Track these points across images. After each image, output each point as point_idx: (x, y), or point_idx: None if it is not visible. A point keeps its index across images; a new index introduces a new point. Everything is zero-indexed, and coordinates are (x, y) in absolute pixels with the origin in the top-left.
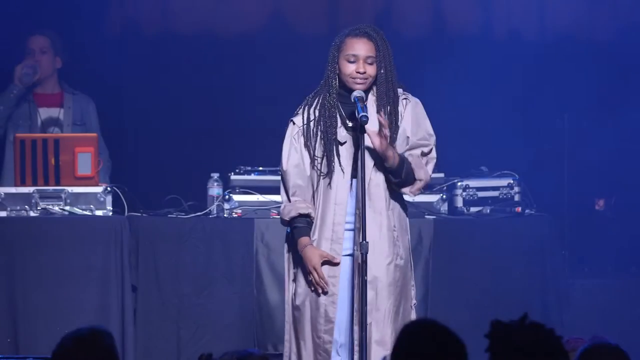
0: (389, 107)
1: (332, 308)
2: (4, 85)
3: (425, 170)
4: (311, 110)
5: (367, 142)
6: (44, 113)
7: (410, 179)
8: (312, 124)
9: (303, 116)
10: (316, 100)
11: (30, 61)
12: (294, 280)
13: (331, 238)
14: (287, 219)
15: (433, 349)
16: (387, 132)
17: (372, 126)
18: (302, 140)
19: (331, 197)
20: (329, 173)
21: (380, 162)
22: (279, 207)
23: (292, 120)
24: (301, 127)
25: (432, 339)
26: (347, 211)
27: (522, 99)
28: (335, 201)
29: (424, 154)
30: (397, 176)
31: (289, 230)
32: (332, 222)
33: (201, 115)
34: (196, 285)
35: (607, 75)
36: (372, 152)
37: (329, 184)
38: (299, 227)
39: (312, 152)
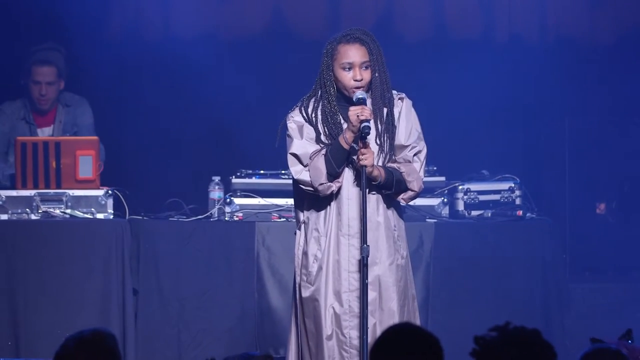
0: (385, 109)
1: (356, 303)
2: (5, 90)
3: (418, 179)
4: (308, 112)
5: None
6: (41, 133)
7: (402, 188)
8: (312, 123)
9: (302, 115)
10: (311, 104)
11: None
12: (307, 280)
13: (348, 233)
14: (321, 157)
15: (411, 350)
16: (366, 156)
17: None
18: (313, 133)
19: (343, 192)
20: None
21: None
22: (280, 210)
23: (291, 117)
24: (306, 124)
25: (409, 342)
26: (353, 215)
27: (523, 103)
28: (348, 196)
29: (416, 155)
30: (388, 189)
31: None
32: (347, 217)
33: (202, 119)
34: (197, 288)
35: (608, 79)
36: None
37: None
38: (328, 147)
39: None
